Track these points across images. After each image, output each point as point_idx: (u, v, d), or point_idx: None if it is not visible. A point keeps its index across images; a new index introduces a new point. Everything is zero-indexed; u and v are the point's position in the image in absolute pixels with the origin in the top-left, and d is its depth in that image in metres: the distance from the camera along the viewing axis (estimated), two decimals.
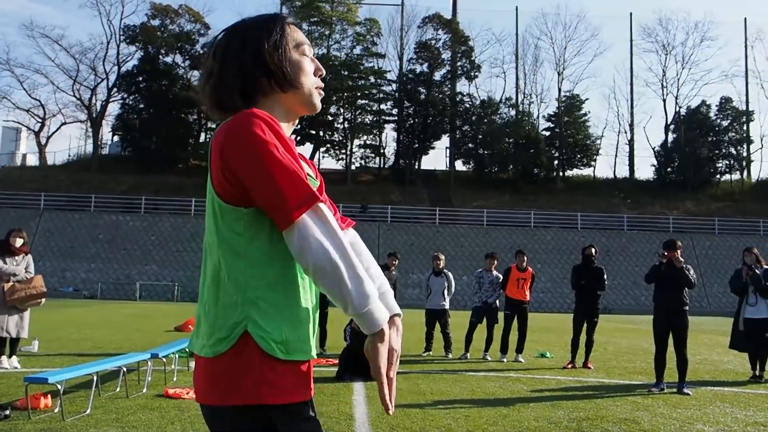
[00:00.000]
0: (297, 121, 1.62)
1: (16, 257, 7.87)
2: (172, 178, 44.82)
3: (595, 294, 9.59)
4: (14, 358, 7.84)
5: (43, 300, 7.86)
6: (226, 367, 1.35)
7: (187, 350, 8.44)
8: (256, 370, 1.34)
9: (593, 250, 9.80)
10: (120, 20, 51.81)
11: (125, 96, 51.09)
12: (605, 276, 9.67)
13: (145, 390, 6.38)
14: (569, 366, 9.41)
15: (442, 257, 11.14)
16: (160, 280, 34.95)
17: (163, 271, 35.77)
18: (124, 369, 6.21)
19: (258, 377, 1.34)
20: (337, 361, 8.08)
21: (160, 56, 50.95)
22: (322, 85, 1.60)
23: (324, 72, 1.60)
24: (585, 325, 9.56)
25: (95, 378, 5.57)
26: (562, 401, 6.58)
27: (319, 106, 1.58)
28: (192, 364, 7.08)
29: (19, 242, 7.86)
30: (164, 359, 6.83)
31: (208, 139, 53.71)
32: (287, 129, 1.54)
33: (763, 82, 62.49)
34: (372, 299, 1.32)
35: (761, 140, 54.12)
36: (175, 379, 7.16)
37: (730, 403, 6.71)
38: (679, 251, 7.53)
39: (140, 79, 50.08)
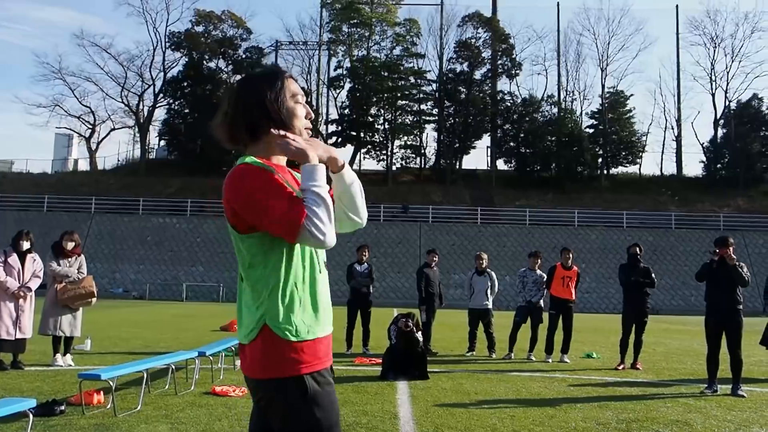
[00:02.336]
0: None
1: (69, 259, 8.14)
2: (218, 180, 45.38)
3: (644, 292, 9.35)
4: (68, 356, 8.11)
5: (94, 299, 8.10)
6: (258, 350, 1.84)
7: (233, 349, 8.59)
8: (278, 351, 1.82)
9: (638, 248, 9.58)
10: (165, 27, 53.12)
11: (171, 101, 52.36)
12: (653, 274, 9.43)
13: (193, 387, 6.51)
14: (620, 367, 9.18)
15: (485, 256, 11.05)
16: (206, 281, 35.65)
17: (208, 272, 36.48)
18: (173, 367, 6.35)
19: (279, 356, 1.82)
20: (380, 361, 8.09)
21: (204, 61, 52.01)
22: (311, 126, 2.05)
23: (313, 115, 2.07)
24: (634, 325, 9.33)
25: (145, 375, 5.72)
26: (610, 402, 6.44)
27: None
28: (238, 362, 7.16)
29: (70, 245, 8.13)
30: (211, 358, 6.96)
31: None
32: (282, 160, 2.00)
33: None
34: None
35: None
36: (221, 377, 7.29)
37: None
38: (731, 248, 7.29)
39: (185, 84, 51.25)
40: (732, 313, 7.14)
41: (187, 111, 51.32)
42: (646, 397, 6.89)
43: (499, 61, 52.44)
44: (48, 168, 53.13)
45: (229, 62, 52.94)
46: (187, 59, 51.91)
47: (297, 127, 1.98)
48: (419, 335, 8.10)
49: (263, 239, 1.84)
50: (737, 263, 7.20)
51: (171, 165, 49.22)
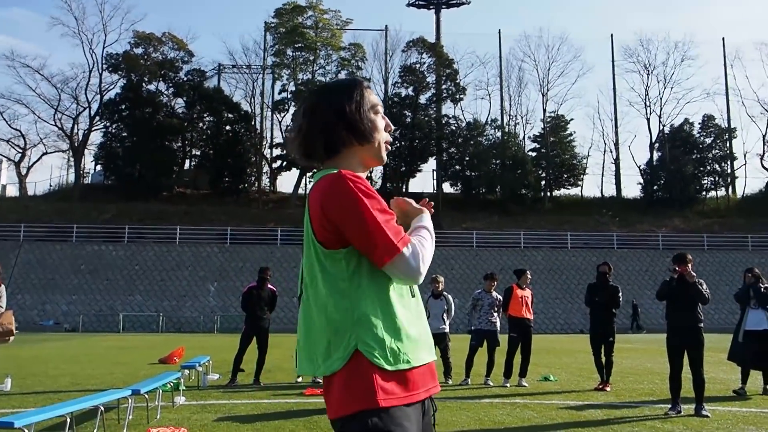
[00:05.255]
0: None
1: None
2: (156, 205, 44.14)
3: (610, 312, 9.26)
4: None
5: (11, 338, 7.27)
6: (344, 381, 1.63)
7: (171, 384, 7.89)
8: (369, 380, 1.61)
9: (607, 267, 9.49)
10: (102, 49, 51.47)
11: (108, 124, 50.48)
12: (620, 294, 9.34)
13: (125, 430, 5.85)
14: (601, 387, 9.03)
15: (441, 279, 10.69)
16: (144, 311, 34.09)
17: (147, 302, 34.93)
18: (102, 408, 5.67)
19: (370, 385, 1.60)
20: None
21: (143, 84, 50.52)
22: (390, 139, 1.92)
23: (392, 128, 1.91)
24: (602, 345, 9.25)
25: (69, 419, 5.04)
26: (577, 428, 6.13)
27: (385, 158, 1.90)
28: (177, 399, 6.43)
29: None
30: (146, 395, 6.29)
31: (192, 166, 53.36)
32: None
33: (744, 99, 63.32)
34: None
35: (744, 157, 54.74)
36: (158, 416, 6.61)
37: (754, 426, 6.30)
38: (690, 265, 7.18)
39: (123, 107, 49.51)
40: (694, 332, 7.00)
41: (125, 134, 49.45)
42: (611, 421, 6.62)
43: (444, 86, 53.07)
44: None
45: (170, 85, 51.66)
46: (125, 81, 50.27)
47: (377, 140, 1.85)
48: None
49: (352, 256, 1.68)
50: (697, 280, 7.08)
51: (107, 190, 47.28)
